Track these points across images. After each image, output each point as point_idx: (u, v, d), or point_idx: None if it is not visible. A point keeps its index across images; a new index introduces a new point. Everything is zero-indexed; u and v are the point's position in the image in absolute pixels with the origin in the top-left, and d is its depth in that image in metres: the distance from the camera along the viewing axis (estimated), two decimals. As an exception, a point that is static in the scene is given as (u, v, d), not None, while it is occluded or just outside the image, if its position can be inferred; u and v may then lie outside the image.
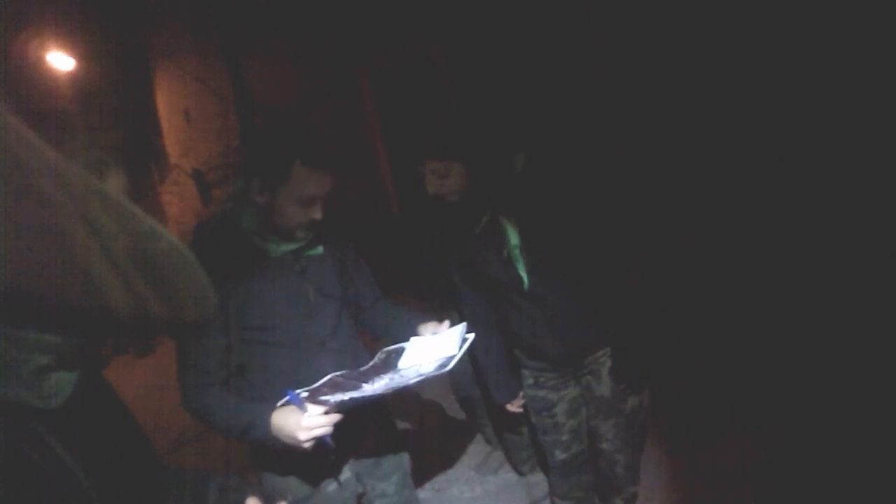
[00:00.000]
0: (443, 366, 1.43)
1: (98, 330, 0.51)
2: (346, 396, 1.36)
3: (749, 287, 2.71)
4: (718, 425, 2.52)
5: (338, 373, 1.48)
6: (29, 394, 0.61)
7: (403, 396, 3.47)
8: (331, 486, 1.64)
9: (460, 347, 1.49)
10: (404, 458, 1.82)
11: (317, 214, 1.47)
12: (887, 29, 1.88)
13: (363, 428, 1.64)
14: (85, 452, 0.69)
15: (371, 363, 1.60)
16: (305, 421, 1.33)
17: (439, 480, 2.82)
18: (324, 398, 1.36)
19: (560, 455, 2.00)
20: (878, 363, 2.09)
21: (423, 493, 2.68)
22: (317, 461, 1.57)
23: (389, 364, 1.58)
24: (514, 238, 1.68)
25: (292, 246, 1.52)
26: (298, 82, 5.52)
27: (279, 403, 1.39)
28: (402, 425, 1.88)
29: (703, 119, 2.71)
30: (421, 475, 2.79)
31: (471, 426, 3.02)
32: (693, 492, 2.30)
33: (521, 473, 2.66)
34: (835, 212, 2.25)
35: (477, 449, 2.93)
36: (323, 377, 1.45)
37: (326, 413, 1.36)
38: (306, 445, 1.35)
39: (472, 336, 1.55)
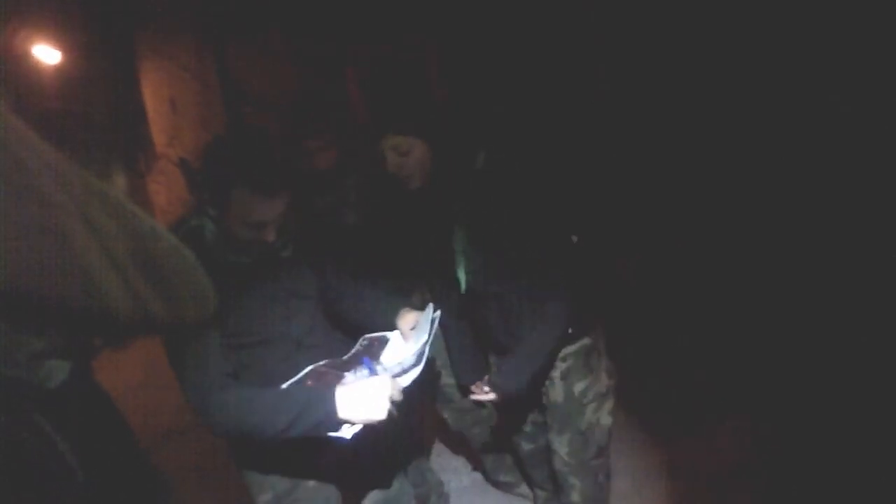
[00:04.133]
0: (420, 353, 1.47)
1: (98, 329, 0.51)
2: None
3: (742, 285, 2.73)
4: (712, 420, 2.55)
5: (320, 363, 1.48)
6: (25, 374, 0.62)
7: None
8: (311, 482, 1.62)
9: (430, 330, 1.52)
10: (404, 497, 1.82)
11: (268, 237, 1.40)
12: (887, 29, 1.86)
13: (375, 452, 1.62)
14: (78, 442, 0.70)
15: (353, 351, 1.60)
16: (384, 388, 1.31)
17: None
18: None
19: (526, 446, 2.03)
20: (872, 359, 2.09)
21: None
22: (298, 456, 1.57)
23: (372, 352, 1.60)
24: (462, 241, 1.66)
25: (248, 260, 1.46)
26: (290, 72, 5.47)
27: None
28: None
29: (703, 119, 2.70)
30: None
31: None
32: (688, 488, 2.32)
33: (489, 479, 2.58)
34: (833, 212, 2.24)
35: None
36: (299, 372, 1.46)
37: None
38: (384, 414, 1.31)
39: (438, 313, 1.57)
